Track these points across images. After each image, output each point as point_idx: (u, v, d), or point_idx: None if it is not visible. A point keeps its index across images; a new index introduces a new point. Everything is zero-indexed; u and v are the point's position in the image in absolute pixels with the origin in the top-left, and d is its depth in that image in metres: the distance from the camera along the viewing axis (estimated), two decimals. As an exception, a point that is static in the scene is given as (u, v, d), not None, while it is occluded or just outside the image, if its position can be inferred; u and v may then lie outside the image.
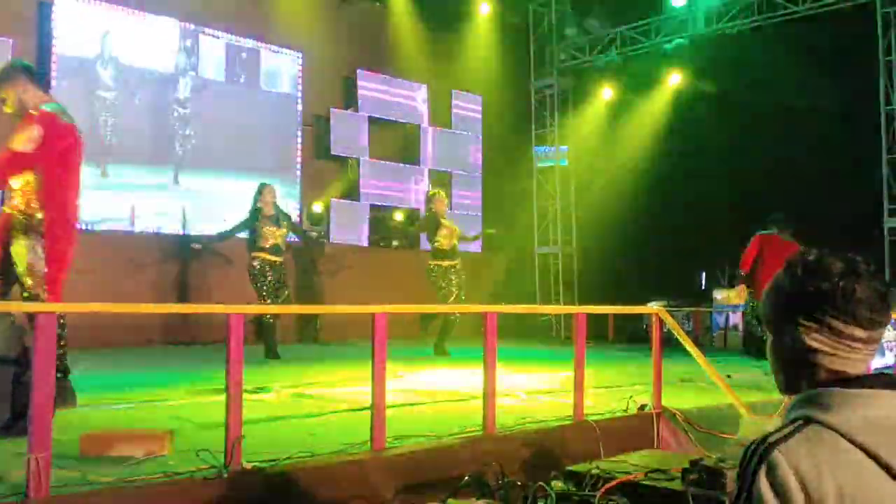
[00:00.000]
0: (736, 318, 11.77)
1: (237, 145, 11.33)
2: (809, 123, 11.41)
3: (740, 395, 5.36)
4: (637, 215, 12.87)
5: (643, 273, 12.05)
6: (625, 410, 4.92)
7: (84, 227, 9.66)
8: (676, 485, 3.10)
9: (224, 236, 8.54)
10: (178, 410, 4.71)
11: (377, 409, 3.67)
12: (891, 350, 6.93)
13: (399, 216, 13.38)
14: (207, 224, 10.47)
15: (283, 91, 12.03)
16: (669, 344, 6.04)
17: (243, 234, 8.41)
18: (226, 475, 3.08)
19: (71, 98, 9.84)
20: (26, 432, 2.86)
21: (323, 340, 11.06)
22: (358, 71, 12.72)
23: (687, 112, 12.62)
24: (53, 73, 9.64)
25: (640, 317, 11.50)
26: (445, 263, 8.95)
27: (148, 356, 8.31)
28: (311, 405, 5.11)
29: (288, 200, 11.05)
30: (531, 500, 3.17)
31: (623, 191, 13.33)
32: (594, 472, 3.26)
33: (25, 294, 4.18)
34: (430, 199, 9.41)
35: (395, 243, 13.27)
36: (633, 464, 3.43)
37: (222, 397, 3.29)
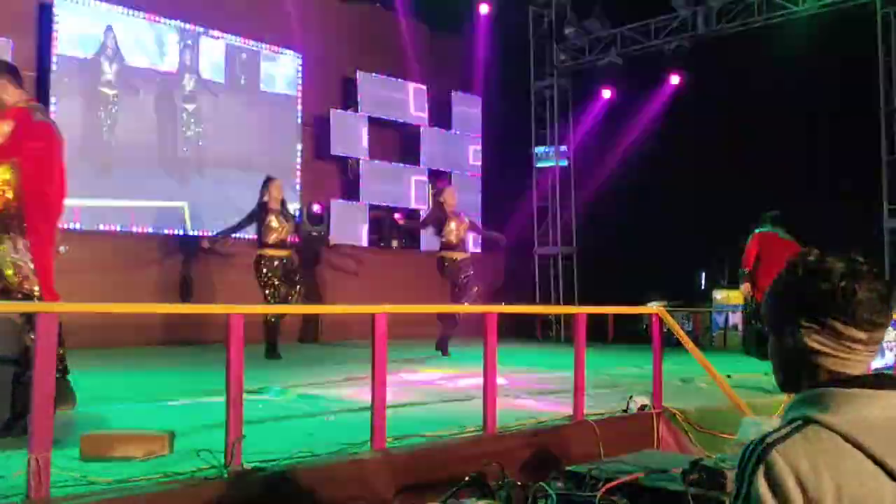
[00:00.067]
0: (736, 318, 11.77)
1: (237, 146, 11.33)
2: (809, 123, 11.40)
3: (740, 395, 5.36)
4: (637, 215, 12.86)
5: (643, 273, 12.03)
6: (625, 410, 4.93)
7: (84, 227, 9.69)
8: (676, 485, 3.10)
9: (230, 232, 8.51)
10: (178, 410, 4.71)
11: (377, 409, 3.67)
12: (891, 350, 6.93)
13: (399, 216, 13.38)
14: (207, 224, 10.48)
15: (283, 92, 12.03)
16: (669, 344, 6.04)
17: (247, 234, 8.41)
18: (226, 475, 3.08)
19: (71, 98, 9.88)
20: (26, 432, 2.86)
21: (323, 340, 11.06)
22: (358, 71, 12.72)
23: (687, 112, 12.61)
24: (53, 74, 9.64)
25: (640, 317, 11.50)
26: (457, 256, 8.85)
27: (148, 356, 8.31)
28: (311, 405, 5.11)
29: (288, 201, 11.03)
30: (531, 500, 3.18)
31: (623, 191, 13.32)
32: (594, 472, 3.26)
33: (19, 294, 4.15)
34: (440, 193, 9.34)
35: (394, 243, 13.27)
36: (633, 464, 3.43)
37: (222, 397, 3.29)
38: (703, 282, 13.65)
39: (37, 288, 4.13)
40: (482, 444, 3.96)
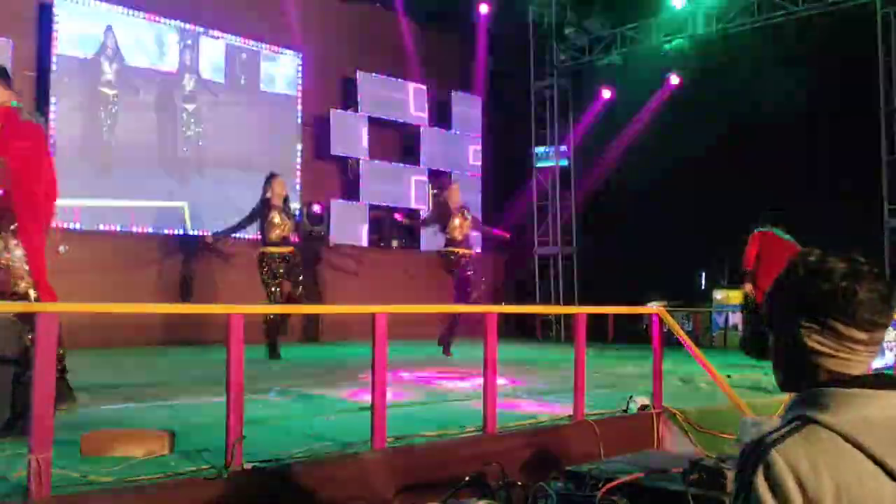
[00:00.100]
0: (736, 318, 11.76)
1: (237, 146, 11.33)
2: (809, 123, 11.40)
3: (740, 395, 5.36)
4: (637, 215, 12.87)
5: (643, 273, 12.03)
6: (625, 410, 4.93)
7: (84, 227, 9.69)
8: (676, 485, 3.10)
9: (235, 230, 8.47)
10: (178, 410, 4.71)
11: (377, 409, 3.67)
12: (891, 350, 6.93)
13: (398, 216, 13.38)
14: (207, 224, 10.48)
15: (283, 92, 12.03)
16: (669, 344, 6.04)
17: (247, 234, 8.39)
18: (226, 475, 3.08)
19: (71, 98, 9.89)
20: (27, 432, 2.86)
21: (323, 340, 11.07)
22: (358, 71, 12.73)
23: (686, 112, 12.61)
24: (53, 74, 9.64)
25: (640, 317, 11.50)
26: (462, 252, 8.83)
27: (148, 356, 8.31)
28: (311, 405, 5.11)
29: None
30: (531, 500, 3.18)
31: (623, 191, 13.33)
32: (594, 472, 3.26)
33: (14, 295, 4.12)
34: (444, 190, 9.28)
35: (394, 243, 13.28)
36: (633, 464, 3.43)
37: (222, 397, 3.29)
38: (703, 282, 13.65)
39: (32, 289, 4.12)
40: (482, 444, 3.96)
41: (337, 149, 12.51)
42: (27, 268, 4.12)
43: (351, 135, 12.67)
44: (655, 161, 12.43)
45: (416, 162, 13.62)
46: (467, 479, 3.22)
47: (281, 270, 8.06)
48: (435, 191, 13.78)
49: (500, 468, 3.35)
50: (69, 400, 4.35)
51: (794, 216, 8.71)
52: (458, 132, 14.23)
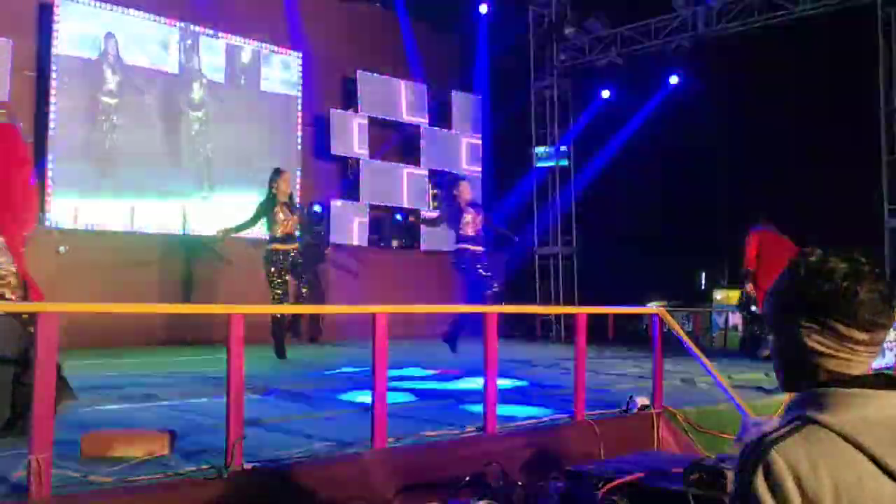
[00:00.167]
0: (736, 319, 11.76)
1: (237, 146, 11.33)
2: (809, 123, 11.40)
3: (741, 395, 5.36)
4: (637, 215, 12.88)
5: (643, 273, 12.03)
6: (625, 410, 4.93)
7: (84, 227, 9.69)
8: (677, 485, 3.10)
9: (244, 227, 8.28)
10: (178, 410, 4.71)
11: (377, 409, 3.67)
12: (891, 350, 6.93)
13: (399, 216, 13.38)
14: (208, 224, 10.48)
15: (283, 92, 12.03)
16: (670, 344, 6.04)
17: (247, 234, 8.35)
18: (226, 475, 3.08)
19: (71, 98, 9.88)
20: (27, 432, 2.86)
21: (323, 340, 11.06)
22: (358, 71, 12.73)
23: (687, 112, 12.61)
24: (53, 74, 9.64)
25: (640, 317, 11.50)
26: (475, 248, 8.54)
27: (148, 356, 8.31)
28: (311, 405, 5.11)
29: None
30: (531, 500, 3.18)
31: (623, 191, 13.34)
32: (594, 472, 3.26)
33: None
34: (454, 187, 9.09)
35: (394, 243, 13.28)
36: (633, 464, 3.43)
37: (222, 397, 3.29)
38: (703, 282, 13.64)
39: (20, 289, 4.09)
40: (482, 444, 3.96)
41: (337, 149, 12.51)
42: (13, 269, 4.12)
43: (351, 135, 12.67)
44: (655, 161, 12.45)
45: (416, 162, 13.62)
46: (467, 479, 3.23)
47: (287, 269, 7.98)
48: (435, 191, 13.78)
49: (500, 468, 3.35)
50: (67, 396, 4.35)
51: (795, 216, 8.72)
52: (458, 132, 14.23)
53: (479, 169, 14.51)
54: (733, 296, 11.49)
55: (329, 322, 11.31)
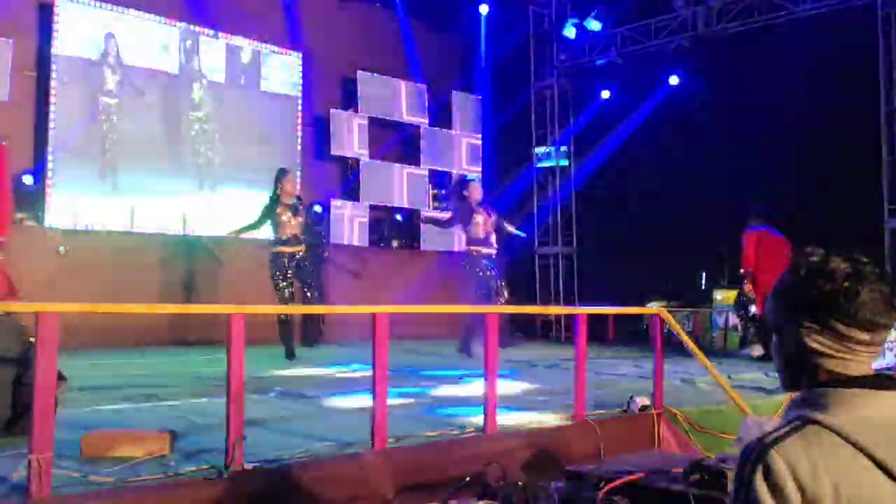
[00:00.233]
0: (736, 319, 11.76)
1: (237, 146, 11.33)
2: (809, 123, 11.39)
3: (741, 395, 5.36)
4: (637, 215, 12.86)
5: (643, 273, 12.02)
6: (625, 410, 4.92)
7: (84, 227, 9.69)
8: (677, 485, 3.10)
9: (249, 229, 8.18)
10: (178, 410, 4.71)
11: (377, 409, 3.67)
12: (891, 350, 6.94)
13: (398, 216, 13.38)
14: (208, 224, 10.49)
15: (284, 92, 12.02)
16: (670, 344, 6.04)
17: (248, 234, 8.32)
18: (226, 475, 3.08)
19: (71, 98, 9.88)
20: (27, 432, 2.86)
21: (323, 340, 11.05)
22: (358, 71, 12.72)
23: (687, 112, 12.61)
24: (53, 74, 9.64)
25: (640, 317, 11.49)
26: (485, 251, 8.45)
27: (148, 356, 8.30)
28: (311, 405, 5.11)
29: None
30: (531, 501, 3.17)
31: (623, 191, 13.33)
32: (594, 472, 3.26)
33: None
34: (465, 187, 8.85)
35: (394, 243, 13.28)
36: (633, 464, 3.43)
37: (222, 397, 3.29)
38: (703, 282, 13.63)
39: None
40: (482, 444, 3.96)
41: (337, 149, 12.51)
42: None
43: (351, 135, 12.67)
44: (655, 161, 12.44)
45: (416, 162, 13.61)
46: (467, 479, 3.23)
47: (290, 271, 7.89)
48: (435, 191, 13.78)
49: (500, 468, 3.35)
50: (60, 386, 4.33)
51: (794, 216, 8.72)
52: (458, 132, 14.22)
53: (479, 169, 14.50)
54: (733, 296, 11.48)
55: (329, 322, 11.30)
